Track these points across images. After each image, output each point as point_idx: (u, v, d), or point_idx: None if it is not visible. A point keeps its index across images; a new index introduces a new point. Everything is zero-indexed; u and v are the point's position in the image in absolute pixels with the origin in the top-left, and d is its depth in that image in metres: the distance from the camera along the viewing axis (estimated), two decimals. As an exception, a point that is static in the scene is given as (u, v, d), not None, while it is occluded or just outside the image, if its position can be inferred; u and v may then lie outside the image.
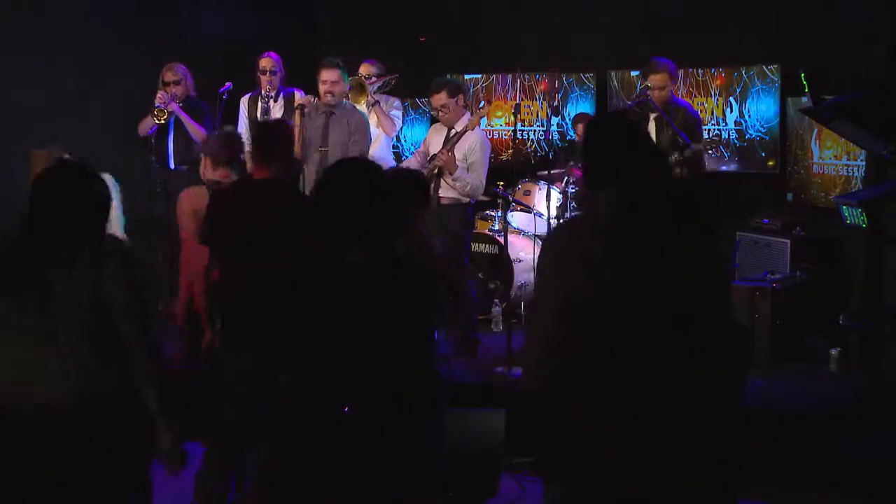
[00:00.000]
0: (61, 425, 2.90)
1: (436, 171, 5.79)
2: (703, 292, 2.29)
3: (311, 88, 7.69)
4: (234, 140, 4.86)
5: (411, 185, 4.22)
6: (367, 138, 6.25)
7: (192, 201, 4.83)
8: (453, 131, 5.88)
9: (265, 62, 6.74)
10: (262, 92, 6.77)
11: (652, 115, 5.95)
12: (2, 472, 2.94)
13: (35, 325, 2.92)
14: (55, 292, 2.91)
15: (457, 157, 5.78)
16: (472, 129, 5.83)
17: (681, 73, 6.68)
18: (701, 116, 6.51)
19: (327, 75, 6.15)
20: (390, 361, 2.79)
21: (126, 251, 3.12)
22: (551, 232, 3.46)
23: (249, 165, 4.77)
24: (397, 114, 6.94)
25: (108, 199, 3.10)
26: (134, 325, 3.02)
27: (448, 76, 6.03)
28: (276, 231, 3.83)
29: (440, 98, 5.85)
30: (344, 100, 6.31)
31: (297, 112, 6.24)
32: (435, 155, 5.83)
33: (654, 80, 5.90)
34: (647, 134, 3.35)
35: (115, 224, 4.92)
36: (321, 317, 2.80)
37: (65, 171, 3.07)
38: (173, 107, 6.60)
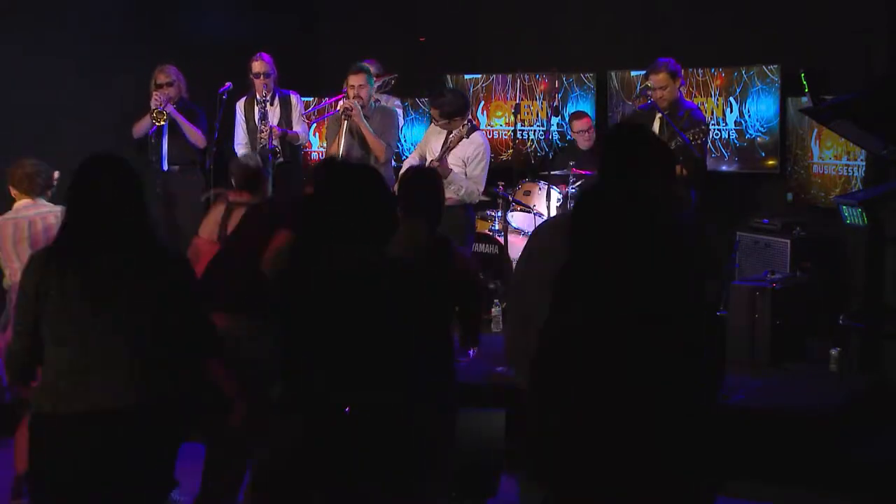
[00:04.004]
0: (109, 423, 2.90)
1: None
2: (675, 290, 2.31)
3: (310, 89, 7.70)
4: (252, 172, 4.83)
5: (424, 182, 4.23)
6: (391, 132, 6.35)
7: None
8: (452, 135, 5.88)
9: (258, 65, 6.71)
10: (258, 96, 6.76)
11: (657, 116, 5.97)
12: (49, 467, 2.95)
13: (88, 323, 2.91)
14: (110, 290, 2.90)
15: (456, 161, 5.78)
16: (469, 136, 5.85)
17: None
18: (706, 117, 6.53)
19: (354, 80, 6.17)
20: (389, 361, 2.79)
21: (181, 253, 3.14)
22: (534, 230, 3.49)
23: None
24: (398, 113, 6.95)
25: (143, 188, 3.07)
26: (191, 328, 3.04)
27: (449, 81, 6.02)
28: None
29: (434, 113, 5.92)
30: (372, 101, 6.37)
31: (343, 118, 6.22)
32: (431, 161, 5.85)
33: (655, 80, 5.91)
34: (655, 139, 3.35)
35: None
36: (319, 317, 2.80)
37: (103, 162, 3.06)
38: (169, 108, 6.59)
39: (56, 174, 4.88)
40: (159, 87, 6.63)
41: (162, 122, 6.58)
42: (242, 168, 4.76)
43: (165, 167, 6.76)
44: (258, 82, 6.73)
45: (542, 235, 3.40)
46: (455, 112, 5.86)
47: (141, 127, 6.66)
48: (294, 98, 6.88)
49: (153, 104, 6.55)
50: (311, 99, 7.70)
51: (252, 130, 6.77)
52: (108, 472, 2.91)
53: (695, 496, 2.36)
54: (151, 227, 3.06)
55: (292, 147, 6.85)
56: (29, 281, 2.96)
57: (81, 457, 2.89)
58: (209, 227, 4.68)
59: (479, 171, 5.86)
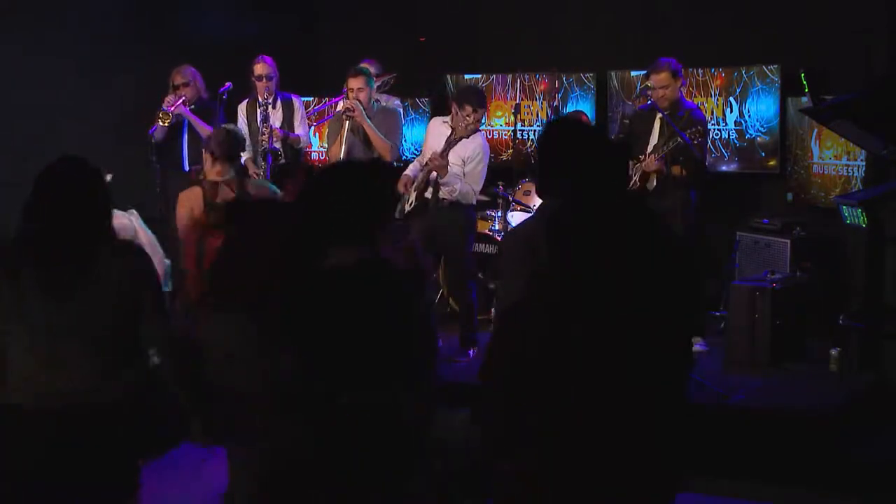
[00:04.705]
0: (67, 422, 2.90)
1: (431, 174, 5.79)
2: (675, 290, 2.32)
3: (311, 89, 7.70)
4: (234, 137, 4.90)
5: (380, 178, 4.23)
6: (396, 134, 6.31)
7: (189, 201, 4.82)
8: (454, 135, 5.87)
9: (260, 68, 6.70)
10: (260, 99, 6.75)
11: (658, 116, 5.97)
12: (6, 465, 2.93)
13: (51, 323, 2.89)
14: (73, 289, 2.89)
15: (455, 160, 5.78)
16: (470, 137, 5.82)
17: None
18: (706, 118, 6.53)
19: (354, 83, 6.15)
20: (389, 360, 2.79)
21: (142, 249, 3.13)
22: (506, 236, 3.44)
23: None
24: (400, 112, 6.93)
25: (109, 192, 3.08)
26: (157, 324, 3.02)
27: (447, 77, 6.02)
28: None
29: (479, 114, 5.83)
30: (373, 101, 6.32)
31: (345, 118, 6.17)
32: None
33: (656, 79, 5.90)
34: (606, 140, 3.33)
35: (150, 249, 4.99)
36: (318, 317, 2.80)
37: (67, 166, 3.06)
38: (181, 109, 6.60)
39: (108, 176, 4.90)
40: (175, 88, 6.64)
41: (166, 124, 6.59)
42: (222, 135, 4.81)
43: (187, 168, 6.75)
44: (260, 85, 6.72)
45: (518, 242, 3.35)
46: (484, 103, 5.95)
47: (155, 127, 6.67)
48: (296, 101, 6.87)
49: (163, 105, 6.56)
50: (312, 99, 7.70)
51: (254, 132, 6.76)
52: (67, 469, 2.90)
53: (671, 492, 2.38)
54: (111, 226, 3.05)
55: (293, 149, 6.84)
56: None
57: (39, 453, 2.89)
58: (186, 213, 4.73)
59: (477, 170, 5.85)
